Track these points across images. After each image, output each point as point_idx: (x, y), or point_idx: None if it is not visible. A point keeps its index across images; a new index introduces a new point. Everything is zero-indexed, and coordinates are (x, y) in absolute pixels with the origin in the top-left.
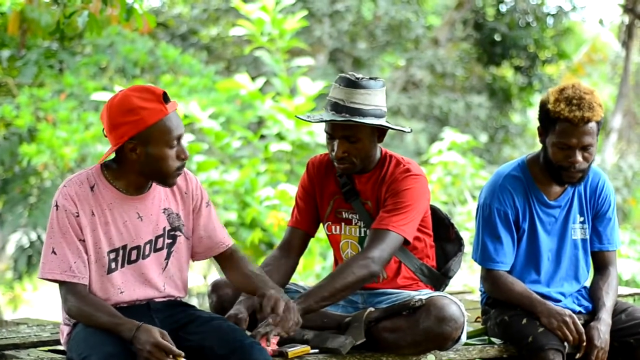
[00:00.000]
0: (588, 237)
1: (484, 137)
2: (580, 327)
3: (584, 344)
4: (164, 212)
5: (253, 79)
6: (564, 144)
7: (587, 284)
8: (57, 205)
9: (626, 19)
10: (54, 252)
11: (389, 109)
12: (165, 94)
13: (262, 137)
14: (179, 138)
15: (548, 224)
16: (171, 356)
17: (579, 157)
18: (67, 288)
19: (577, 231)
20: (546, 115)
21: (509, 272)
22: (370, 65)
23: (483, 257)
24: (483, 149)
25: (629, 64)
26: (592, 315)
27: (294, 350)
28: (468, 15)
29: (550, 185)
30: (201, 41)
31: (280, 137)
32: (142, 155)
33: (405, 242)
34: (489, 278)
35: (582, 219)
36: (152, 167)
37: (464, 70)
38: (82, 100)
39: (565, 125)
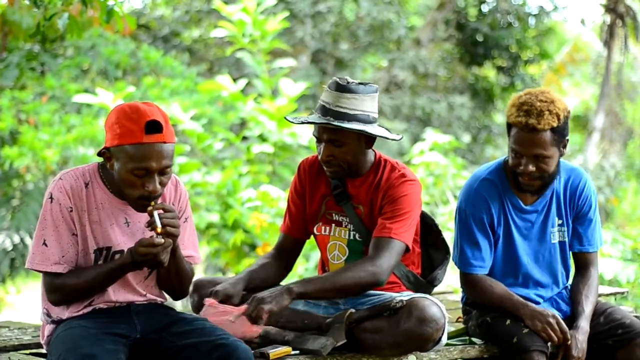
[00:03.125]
0: (567, 239)
1: (466, 138)
2: (564, 326)
3: (569, 342)
4: None
5: (235, 80)
6: (515, 151)
7: (568, 283)
8: (51, 198)
9: (608, 19)
10: (45, 243)
11: None
12: (152, 124)
13: (244, 138)
14: (147, 170)
15: (524, 228)
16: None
17: (530, 167)
18: (54, 278)
19: (556, 234)
20: (506, 119)
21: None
22: (352, 66)
23: (461, 261)
24: (466, 149)
25: (611, 63)
26: (570, 320)
27: (275, 352)
28: (450, 15)
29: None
30: (183, 43)
31: (262, 138)
32: (113, 167)
33: (406, 250)
34: (468, 282)
35: (560, 221)
36: (119, 184)
37: (446, 70)
38: (64, 103)
39: (515, 131)
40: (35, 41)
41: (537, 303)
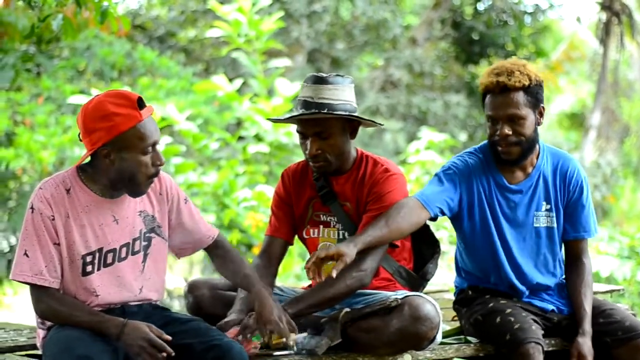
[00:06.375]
0: (556, 225)
1: (463, 136)
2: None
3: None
4: (139, 215)
5: (231, 80)
6: (490, 117)
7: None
8: (32, 208)
9: (604, 17)
10: (26, 254)
11: (367, 109)
12: (140, 99)
13: (240, 138)
14: (154, 144)
15: (507, 207)
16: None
17: (506, 130)
18: (39, 291)
19: (541, 219)
20: (480, 90)
21: (475, 264)
22: (348, 65)
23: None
24: (462, 147)
25: (607, 61)
26: (570, 318)
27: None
28: (446, 14)
29: (512, 168)
30: (179, 43)
31: (258, 138)
32: (115, 161)
33: (392, 246)
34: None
35: (548, 206)
36: (125, 174)
37: (442, 69)
38: (60, 104)
39: (488, 97)
40: (30, 42)
41: (519, 291)
